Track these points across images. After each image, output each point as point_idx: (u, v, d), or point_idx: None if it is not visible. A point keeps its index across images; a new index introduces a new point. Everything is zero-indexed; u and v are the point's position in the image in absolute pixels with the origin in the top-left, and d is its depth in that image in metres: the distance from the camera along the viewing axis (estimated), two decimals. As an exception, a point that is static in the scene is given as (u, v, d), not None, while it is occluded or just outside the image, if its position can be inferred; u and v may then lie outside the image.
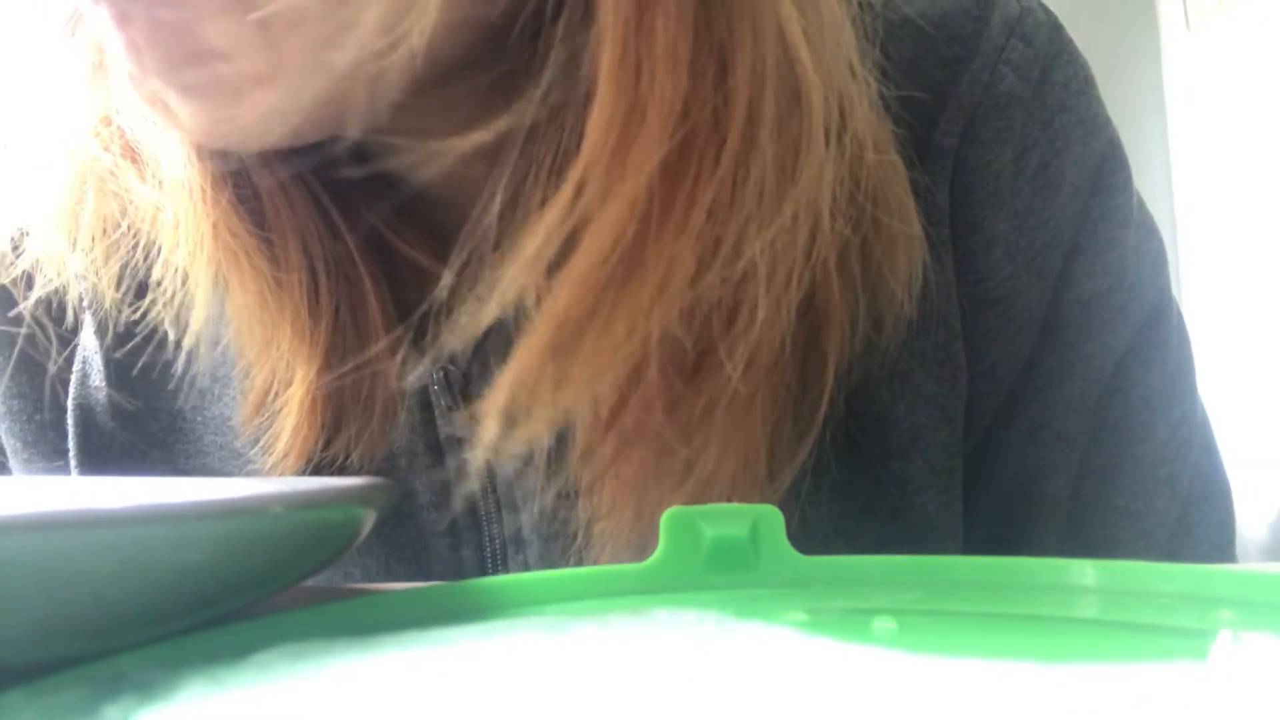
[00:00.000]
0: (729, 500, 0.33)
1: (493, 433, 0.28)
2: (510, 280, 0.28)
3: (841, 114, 0.31)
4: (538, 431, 0.29)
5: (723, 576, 0.27)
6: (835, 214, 0.31)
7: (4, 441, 0.43)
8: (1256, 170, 1.93)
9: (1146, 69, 2.13)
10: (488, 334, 0.37)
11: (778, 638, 0.20)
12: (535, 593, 0.26)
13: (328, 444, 0.37)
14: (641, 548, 0.32)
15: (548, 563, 0.40)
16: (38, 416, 0.42)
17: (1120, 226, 0.42)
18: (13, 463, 0.43)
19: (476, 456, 0.29)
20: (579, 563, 0.38)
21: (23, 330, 0.40)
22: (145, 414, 0.41)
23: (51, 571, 0.18)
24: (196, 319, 0.34)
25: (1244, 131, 1.96)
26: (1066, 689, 0.16)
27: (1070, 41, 0.41)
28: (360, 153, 0.34)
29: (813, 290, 0.32)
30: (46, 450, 0.42)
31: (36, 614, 0.19)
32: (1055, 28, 0.41)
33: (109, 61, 0.34)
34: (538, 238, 0.27)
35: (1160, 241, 0.44)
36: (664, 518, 0.27)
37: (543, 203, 0.28)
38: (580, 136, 0.28)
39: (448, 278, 0.30)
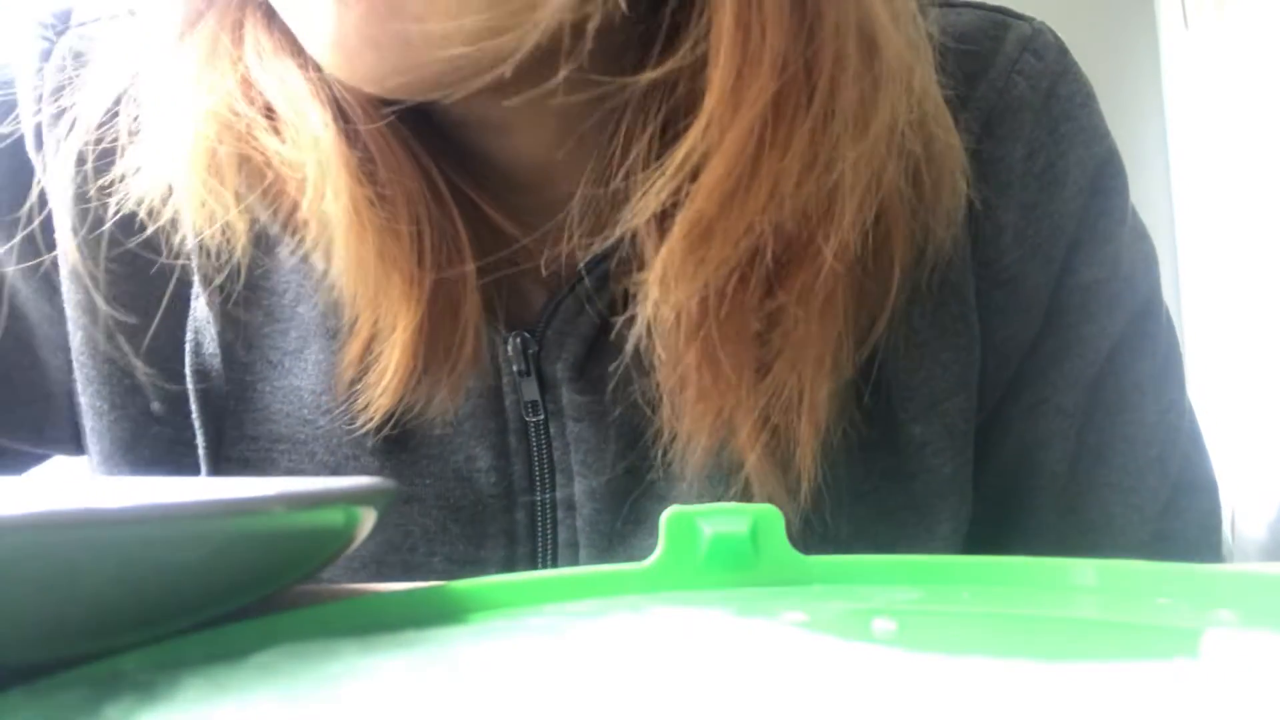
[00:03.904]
0: (800, 396, 0.38)
1: (655, 295, 0.36)
2: (655, 192, 0.35)
3: (909, 60, 0.37)
4: (683, 299, 0.36)
5: (723, 576, 0.27)
6: (906, 138, 0.38)
7: (90, 404, 0.45)
8: (1255, 167, 1.93)
9: (1145, 67, 2.13)
10: (559, 306, 0.42)
11: (778, 637, 0.20)
12: (535, 593, 0.26)
13: (416, 387, 0.40)
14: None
15: (597, 527, 0.43)
16: (127, 380, 0.44)
17: (1117, 224, 0.46)
18: (98, 425, 0.45)
19: (640, 315, 0.36)
20: (628, 523, 0.43)
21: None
22: (231, 381, 0.44)
23: (51, 571, 0.18)
24: (337, 261, 0.38)
25: (1242, 129, 1.96)
26: (1066, 688, 0.16)
27: (1075, 62, 0.46)
28: (458, 125, 0.39)
29: (884, 200, 0.38)
30: (134, 413, 0.44)
31: (36, 614, 0.19)
32: (1063, 49, 0.46)
33: (243, 40, 0.38)
34: (676, 160, 0.34)
35: (1152, 247, 0.48)
36: (664, 517, 0.27)
37: (670, 141, 0.35)
38: (699, 86, 0.34)
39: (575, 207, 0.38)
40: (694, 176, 0.34)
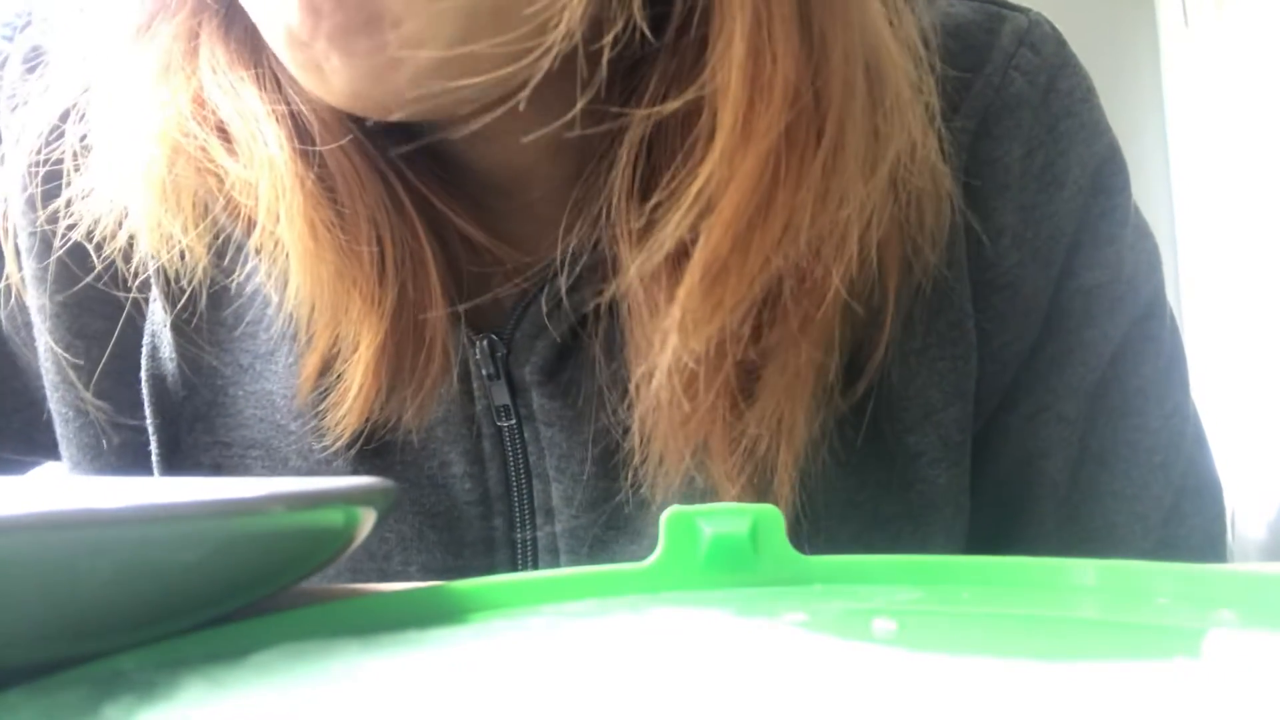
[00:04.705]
0: (780, 423, 0.37)
1: (675, 342, 0.34)
2: (672, 229, 0.33)
3: (913, 92, 0.37)
4: (701, 346, 0.35)
5: (722, 576, 0.27)
6: (909, 170, 0.37)
7: (57, 410, 0.44)
8: (1255, 167, 1.93)
9: (1145, 65, 2.13)
10: (528, 308, 0.40)
11: (778, 637, 0.20)
12: (535, 593, 0.26)
13: (384, 404, 0.39)
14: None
15: (575, 533, 0.42)
16: (93, 387, 0.43)
17: (1119, 225, 0.44)
18: (66, 431, 0.44)
19: (659, 369, 0.35)
20: (608, 529, 0.42)
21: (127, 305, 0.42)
22: (196, 386, 0.43)
23: (51, 571, 0.18)
24: (290, 285, 0.37)
25: (1242, 127, 1.96)
26: (1066, 688, 0.16)
27: (1074, 55, 0.44)
28: (425, 133, 0.37)
29: (884, 231, 0.38)
30: (98, 419, 0.44)
31: (37, 614, 0.19)
32: (1060, 42, 0.44)
33: (198, 50, 0.37)
34: (689, 195, 0.33)
35: (1154, 244, 0.46)
36: (664, 518, 0.27)
37: (674, 175, 0.34)
38: (704, 117, 0.33)
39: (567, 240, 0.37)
40: (707, 213, 0.33)
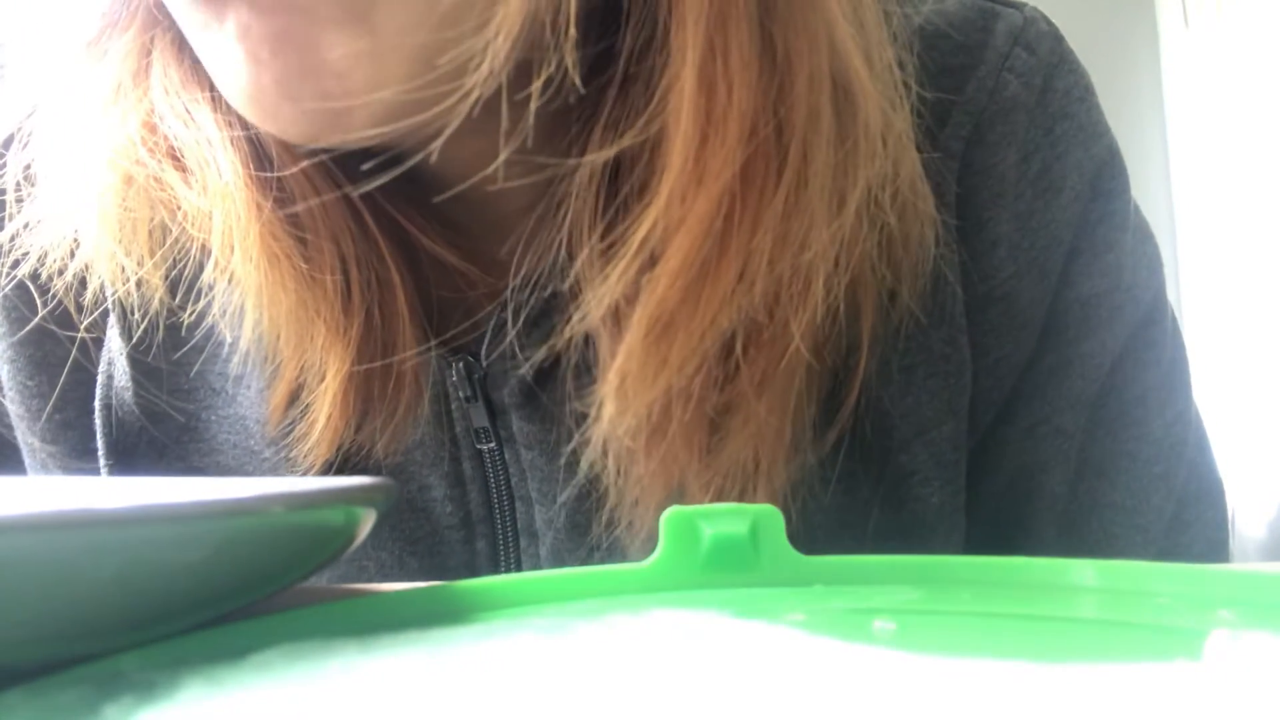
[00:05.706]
0: (756, 466, 0.35)
1: (611, 411, 0.32)
2: (615, 280, 0.31)
3: (887, 118, 0.34)
4: (643, 410, 0.32)
5: (723, 576, 0.27)
6: (881, 205, 0.34)
7: (23, 440, 0.44)
8: (1255, 167, 1.93)
9: (1145, 66, 2.14)
10: (503, 328, 0.38)
11: (778, 638, 0.20)
12: (535, 593, 0.26)
13: (356, 434, 0.38)
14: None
15: (560, 554, 0.41)
16: (57, 416, 0.42)
17: (1118, 230, 0.43)
18: (31, 461, 0.44)
19: (595, 435, 0.33)
20: (594, 551, 0.40)
21: (71, 335, 0.41)
22: (160, 414, 0.42)
23: (52, 571, 0.18)
24: (250, 318, 0.36)
25: (1242, 128, 1.96)
26: (1066, 689, 0.16)
27: (1071, 51, 0.43)
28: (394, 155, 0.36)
29: (855, 273, 0.35)
30: (65, 449, 0.43)
31: (36, 614, 0.19)
32: (1057, 38, 0.42)
33: (150, 68, 0.35)
34: (635, 243, 0.31)
35: (1155, 246, 0.45)
36: (664, 518, 0.27)
37: (627, 214, 0.32)
38: (658, 152, 0.31)
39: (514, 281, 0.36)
40: (653, 262, 0.31)
